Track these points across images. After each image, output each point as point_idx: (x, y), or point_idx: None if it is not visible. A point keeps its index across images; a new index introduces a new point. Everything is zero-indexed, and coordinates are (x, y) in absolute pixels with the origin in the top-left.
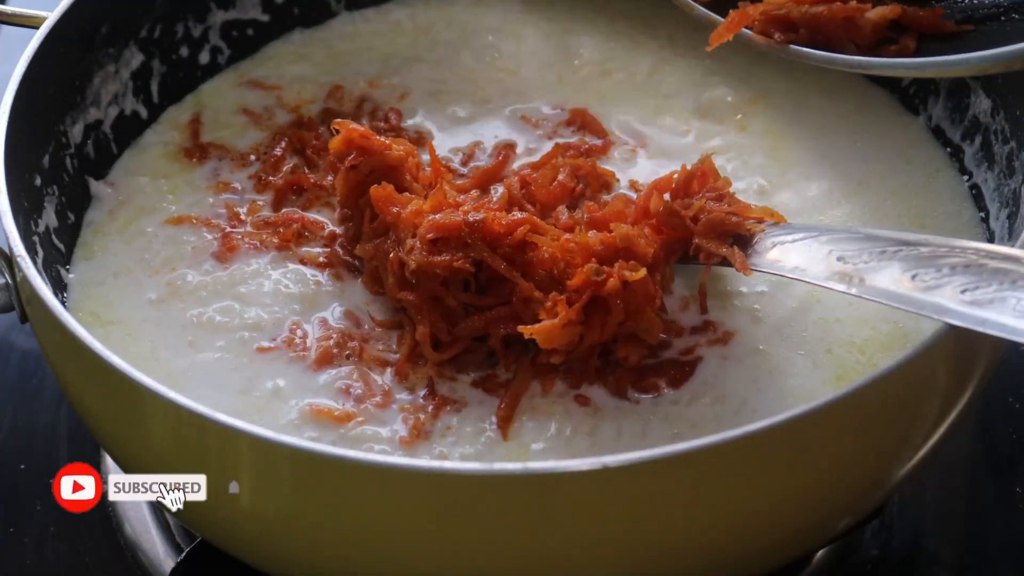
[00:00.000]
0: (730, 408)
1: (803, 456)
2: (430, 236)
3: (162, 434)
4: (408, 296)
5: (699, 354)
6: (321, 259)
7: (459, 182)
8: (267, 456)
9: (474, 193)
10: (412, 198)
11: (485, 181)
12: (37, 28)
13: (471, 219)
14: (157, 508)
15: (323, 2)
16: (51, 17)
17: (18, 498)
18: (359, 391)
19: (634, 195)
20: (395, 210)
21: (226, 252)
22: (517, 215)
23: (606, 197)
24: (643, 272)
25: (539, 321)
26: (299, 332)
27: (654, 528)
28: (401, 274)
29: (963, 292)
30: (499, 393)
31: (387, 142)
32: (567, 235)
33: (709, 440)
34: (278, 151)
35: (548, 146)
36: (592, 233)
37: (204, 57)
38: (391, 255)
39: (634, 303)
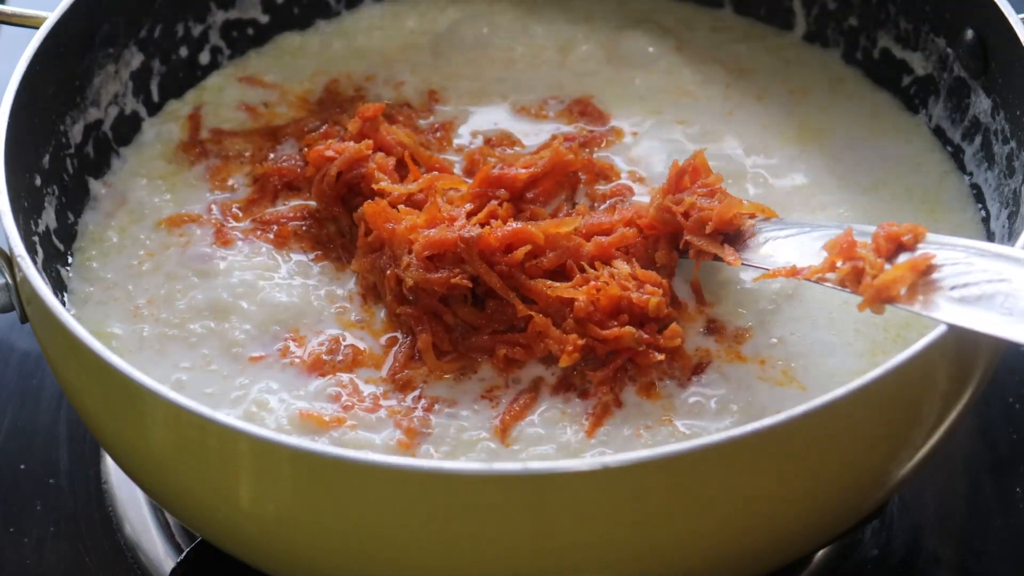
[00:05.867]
0: (757, 406)
1: (803, 457)
2: (426, 254)
3: (162, 434)
4: (408, 310)
5: (713, 354)
6: (314, 257)
7: (457, 170)
8: (267, 456)
9: (468, 206)
10: (407, 212)
11: (478, 184)
12: (37, 28)
13: (466, 235)
14: (157, 508)
15: (323, 1)
16: (51, 17)
17: (18, 498)
18: (350, 397)
19: (635, 187)
20: (390, 226)
21: (220, 253)
22: (513, 225)
23: (602, 188)
24: (679, 340)
25: (550, 353)
26: (291, 339)
27: (654, 529)
28: (399, 290)
29: (952, 289)
30: (495, 399)
31: (344, 146)
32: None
33: (708, 441)
34: (276, 149)
35: (546, 136)
36: (612, 270)
37: (204, 57)
38: (388, 272)
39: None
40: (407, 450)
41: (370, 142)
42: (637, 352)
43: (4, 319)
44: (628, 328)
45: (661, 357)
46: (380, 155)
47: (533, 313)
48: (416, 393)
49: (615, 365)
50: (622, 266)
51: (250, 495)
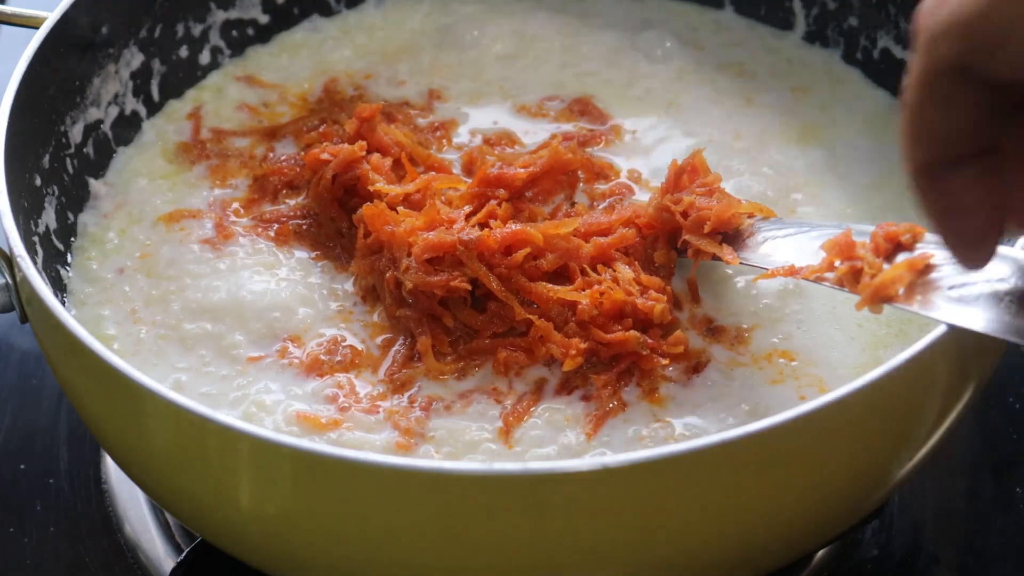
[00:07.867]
0: (759, 406)
1: (804, 457)
2: (425, 256)
3: (162, 434)
4: (407, 313)
5: (714, 354)
6: (314, 256)
7: (456, 170)
8: (267, 456)
9: (467, 208)
10: (406, 214)
11: (477, 184)
12: (37, 28)
13: (465, 237)
14: (157, 508)
15: (323, 1)
16: (51, 17)
17: (18, 498)
18: (347, 398)
19: (635, 186)
20: (389, 228)
21: (220, 252)
22: (513, 227)
23: (602, 187)
24: (681, 348)
25: (552, 357)
26: (290, 339)
27: (654, 529)
28: (398, 293)
29: (950, 289)
30: (496, 400)
31: (339, 148)
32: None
33: (708, 441)
34: (276, 148)
35: (546, 135)
36: (615, 273)
37: (204, 57)
38: (387, 275)
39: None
40: (405, 451)
41: (364, 143)
42: (641, 356)
43: (4, 319)
44: (633, 332)
45: (665, 362)
46: (376, 156)
47: (533, 317)
48: (413, 392)
49: (619, 369)
50: (625, 270)
51: (250, 495)
